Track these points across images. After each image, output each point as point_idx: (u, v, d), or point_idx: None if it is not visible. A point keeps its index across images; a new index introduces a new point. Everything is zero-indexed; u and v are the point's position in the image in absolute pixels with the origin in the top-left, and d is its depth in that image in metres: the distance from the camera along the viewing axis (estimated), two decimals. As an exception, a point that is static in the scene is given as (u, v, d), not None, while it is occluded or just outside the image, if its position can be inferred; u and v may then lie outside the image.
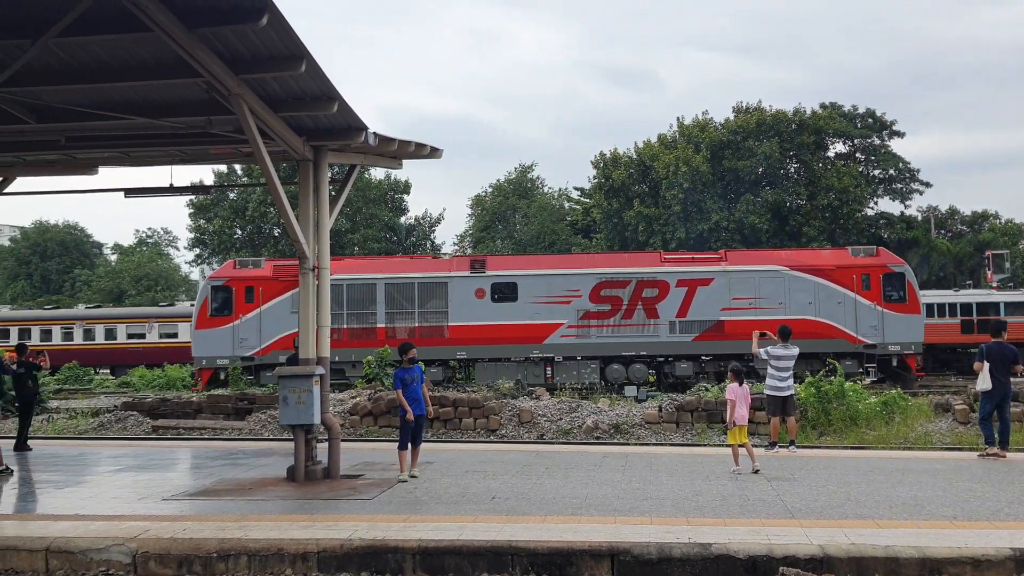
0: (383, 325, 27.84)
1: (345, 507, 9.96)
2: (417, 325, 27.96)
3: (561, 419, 17.83)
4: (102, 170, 14.09)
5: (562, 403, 18.94)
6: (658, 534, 8.35)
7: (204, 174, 63.70)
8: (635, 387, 27.12)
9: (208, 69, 9.49)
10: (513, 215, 66.80)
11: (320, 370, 11.87)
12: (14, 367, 15.05)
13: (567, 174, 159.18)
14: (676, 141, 55.00)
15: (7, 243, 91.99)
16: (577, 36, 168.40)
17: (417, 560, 8.16)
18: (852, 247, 30.08)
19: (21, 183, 14.28)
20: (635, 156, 55.98)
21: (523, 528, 8.69)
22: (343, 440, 12.71)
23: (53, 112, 11.24)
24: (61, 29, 8.92)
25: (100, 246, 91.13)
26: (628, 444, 16.00)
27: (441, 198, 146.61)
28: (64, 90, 10.65)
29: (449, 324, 27.89)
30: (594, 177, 58.81)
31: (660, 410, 17.74)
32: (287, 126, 11.41)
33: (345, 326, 27.88)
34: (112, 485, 11.91)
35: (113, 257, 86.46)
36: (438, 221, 65.25)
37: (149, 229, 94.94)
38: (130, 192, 14.11)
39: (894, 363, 28.00)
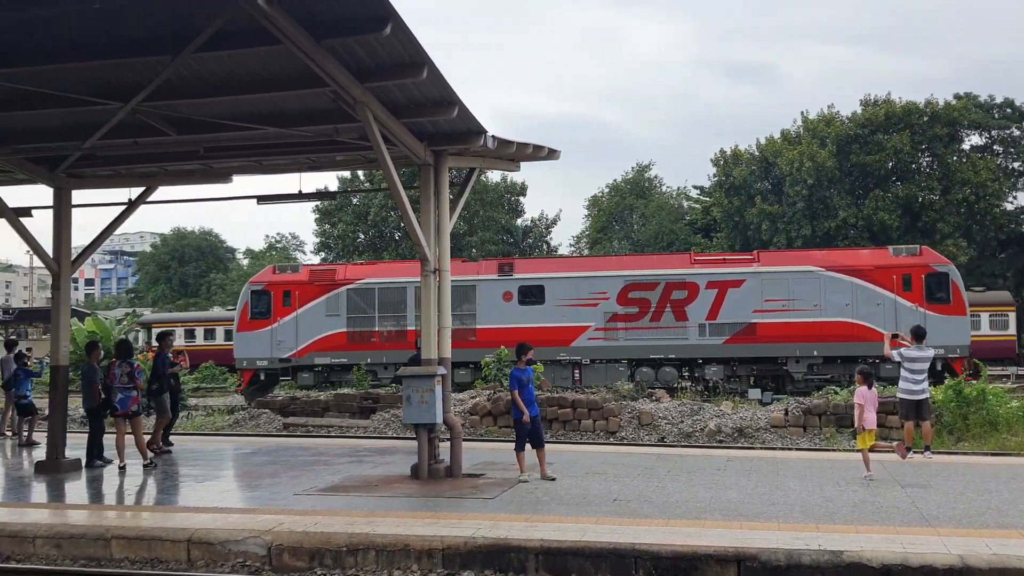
0: (413, 328, 27.26)
1: (468, 505, 10.11)
2: None
3: (682, 422, 17.59)
4: (235, 178, 14.72)
5: (683, 405, 18.70)
6: (786, 540, 8.14)
7: (329, 180, 65.70)
8: (759, 390, 26.50)
9: (334, 79, 9.78)
10: (630, 215, 66.24)
11: (442, 370, 12.08)
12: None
13: (686, 173, 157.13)
14: (800, 136, 53.45)
15: (149, 249, 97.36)
16: (693, 32, 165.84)
17: (540, 560, 8.20)
18: (893, 247, 28.56)
19: (162, 191, 15.07)
20: (757, 153, 54.68)
21: (646, 531, 8.62)
22: (463, 440, 12.88)
23: (191, 124, 11.81)
24: (199, 45, 9.38)
25: (233, 251, 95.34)
26: (753, 448, 15.65)
27: (557, 199, 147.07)
28: (201, 103, 11.18)
29: (477, 327, 27.92)
30: (714, 175, 57.75)
31: (786, 414, 17.28)
32: (409, 132, 11.66)
33: (377, 329, 28.46)
34: (247, 480, 12.44)
35: (245, 261, 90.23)
36: (554, 222, 65.35)
37: (278, 234, 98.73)
38: (263, 199, 14.70)
39: (939, 367, 26.02)
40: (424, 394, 11.82)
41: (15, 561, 9.07)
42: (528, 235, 63.90)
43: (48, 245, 13.22)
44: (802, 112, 58.28)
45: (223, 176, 14.41)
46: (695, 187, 67.37)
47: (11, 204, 13.51)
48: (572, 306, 27.64)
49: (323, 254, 64.01)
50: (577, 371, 27.69)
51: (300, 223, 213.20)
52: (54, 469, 13.06)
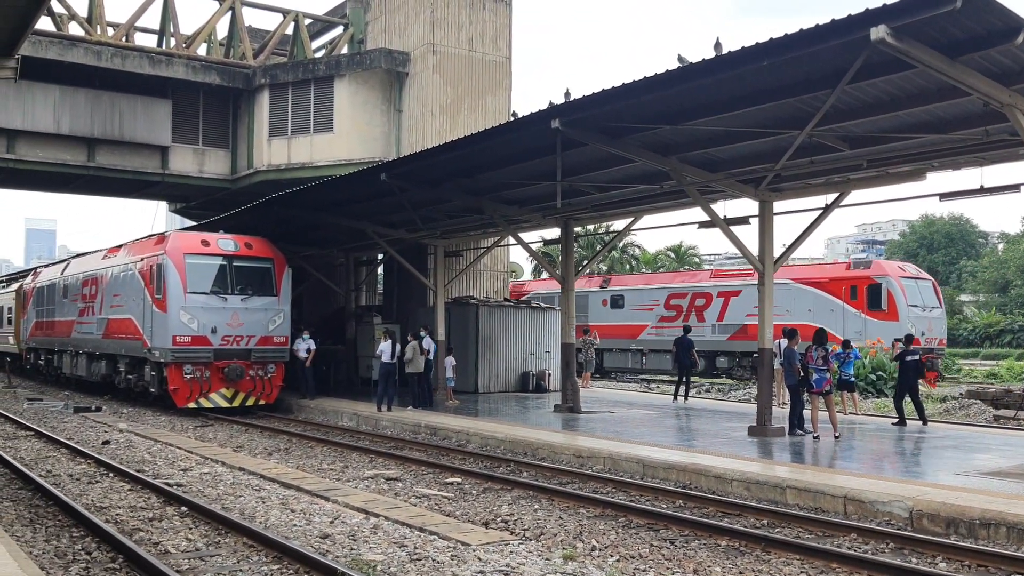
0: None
1: None
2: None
3: None
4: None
5: None
6: None
7: None
8: None
9: (975, 88, 10.53)
10: None
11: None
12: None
13: None
14: None
15: (898, 237, 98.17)
16: None
17: None
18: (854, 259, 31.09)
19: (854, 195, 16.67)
20: None
21: None
22: None
23: (859, 139, 13.51)
24: (847, 80, 11.11)
25: (986, 236, 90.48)
26: None
27: None
28: (863, 122, 12.82)
29: (589, 324, 35.53)
30: None
31: None
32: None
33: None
34: (913, 459, 13.65)
35: (1000, 246, 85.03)
36: None
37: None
38: (944, 196, 15.45)
39: None
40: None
41: (715, 495, 11.95)
42: None
43: (753, 247, 16.04)
44: None
45: (908, 178, 15.42)
46: None
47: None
48: (639, 310, 37.14)
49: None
50: (644, 357, 37.00)
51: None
52: (762, 433, 15.87)
